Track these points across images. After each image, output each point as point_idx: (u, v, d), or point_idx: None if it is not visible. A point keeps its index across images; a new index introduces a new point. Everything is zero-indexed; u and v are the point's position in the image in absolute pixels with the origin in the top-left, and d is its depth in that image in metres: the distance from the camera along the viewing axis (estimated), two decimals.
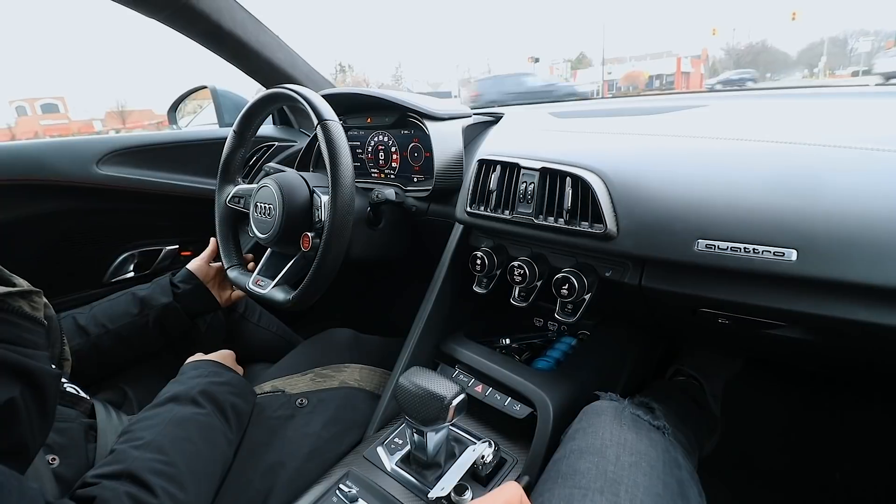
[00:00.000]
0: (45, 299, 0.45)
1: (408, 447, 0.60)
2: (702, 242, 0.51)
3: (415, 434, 0.56)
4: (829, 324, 0.49)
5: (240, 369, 0.73)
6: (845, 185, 0.48)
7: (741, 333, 0.62)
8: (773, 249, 0.48)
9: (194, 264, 0.85)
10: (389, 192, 0.84)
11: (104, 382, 0.73)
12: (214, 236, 0.88)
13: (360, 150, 1.01)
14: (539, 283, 0.70)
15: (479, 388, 0.70)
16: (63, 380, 0.58)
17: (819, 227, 0.46)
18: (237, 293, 0.90)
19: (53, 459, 0.47)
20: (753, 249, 0.49)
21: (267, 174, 0.84)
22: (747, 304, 0.52)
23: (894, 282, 0.43)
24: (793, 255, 0.47)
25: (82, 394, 0.59)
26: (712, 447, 0.88)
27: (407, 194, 0.90)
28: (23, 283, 0.44)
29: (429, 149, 0.86)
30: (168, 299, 0.77)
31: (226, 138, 0.88)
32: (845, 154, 0.51)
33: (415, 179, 0.92)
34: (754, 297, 0.51)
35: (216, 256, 0.88)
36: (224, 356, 0.71)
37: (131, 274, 1.11)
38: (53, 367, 0.42)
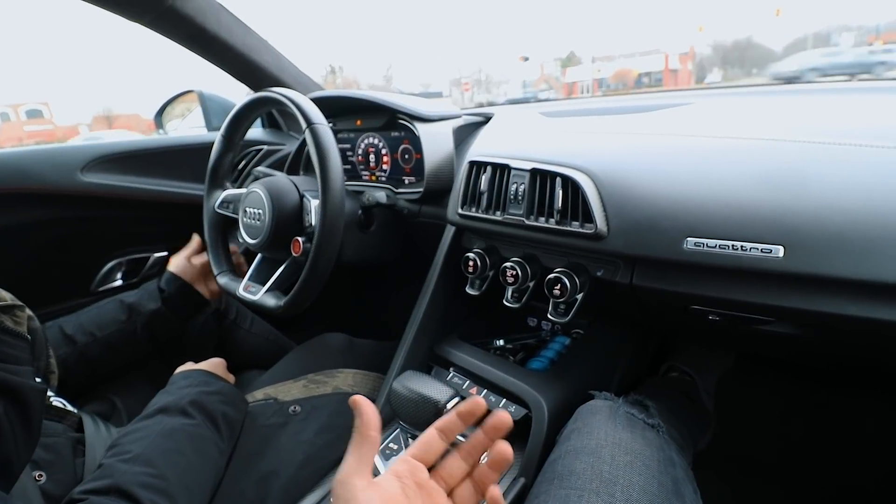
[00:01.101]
0: (28, 312, 0.44)
1: (403, 452, 0.60)
2: (690, 240, 0.52)
3: (410, 439, 0.56)
4: (817, 319, 0.50)
5: (231, 377, 0.72)
6: (831, 180, 0.48)
7: (732, 330, 0.63)
8: (760, 246, 0.48)
9: (177, 266, 0.83)
10: (380, 195, 0.84)
11: (92, 394, 0.72)
12: (198, 234, 0.87)
13: (350, 153, 1.01)
14: (532, 284, 0.70)
15: (473, 391, 0.70)
16: (50, 393, 0.57)
17: (805, 223, 0.47)
18: None
19: (40, 476, 0.47)
20: (741, 247, 0.49)
21: (256, 178, 0.83)
22: (736, 300, 0.52)
23: (881, 276, 0.43)
24: (780, 251, 0.47)
25: (69, 407, 0.58)
26: (706, 443, 0.88)
27: (398, 196, 0.89)
28: (6, 297, 0.44)
29: (419, 150, 0.86)
30: (156, 305, 0.76)
31: (213, 143, 0.87)
32: (830, 150, 0.51)
33: (406, 181, 0.92)
34: (743, 293, 0.52)
35: (199, 251, 0.86)
36: (215, 364, 0.70)
37: (119, 282, 1.09)
38: (39, 380, 0.42)
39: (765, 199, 0.49)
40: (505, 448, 0.35)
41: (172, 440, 0.52)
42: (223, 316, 0.93)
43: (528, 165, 0.65)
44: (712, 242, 0.50)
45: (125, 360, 0.76)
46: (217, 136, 0.86)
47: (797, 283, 0.48)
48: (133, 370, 0.76)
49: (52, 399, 0.57)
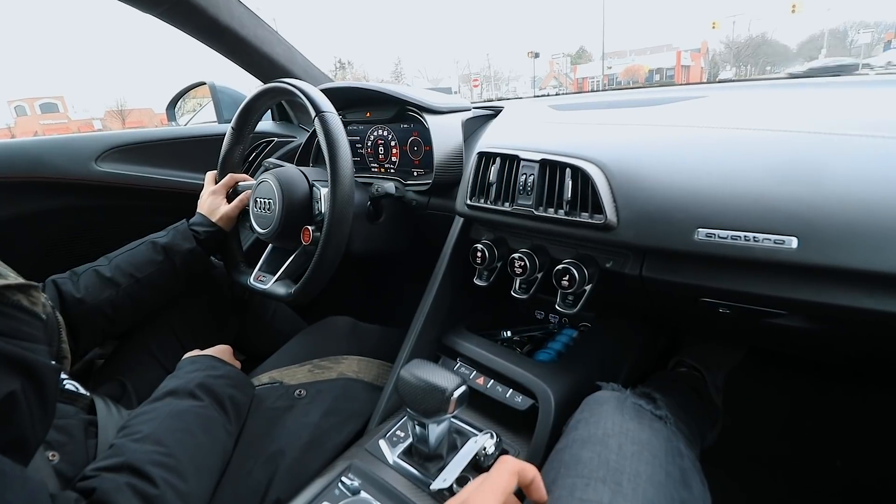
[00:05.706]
0: (44, 296, 0.45)
1: (410, 440, 0.60)
2: (702, 231, 0.51)
3: (417, 426, 0.56)
4: (830, 312, 0.49)
5: (237, 363, 0.73)
6: (846, 171, 0.47)
7: (742, 323, 0.62)
8: (773, 237, 0.47)
9: (203, 205, 0.84)
10: (389, 186, 0.84)
11: (103, 377, 0.73)
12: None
13: (359, 145, 1.01)
14: (540, 275, 0.69)
15: (480, 380, 0.70)
16: (63, 376, 0.58)
17: (820, 214, 0.46)
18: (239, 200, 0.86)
19: (53, 456, 0.48)
20: (754, 237, 0.48)
21: (266, 169, 0.83)
22: (748, 292, 0.52)
23: None
24: (793, 242, 0.46)
25: (81, 390, 0.59)
26: (714, 438, 0.88)
27: (407, 188, 0.90)
28: (19, 278, 0.44)
29: (428, 142, 0.86)
30: (191, 245, 0.78)
31: (225, 134, 0.88)
32: (845, 141, 0.50)
33: (415, 173, 0.92)
34: (755, 285, 0.51)
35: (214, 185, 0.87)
36: (221, 351, 0.71)
37: None
38: (53, 362, 0.42)
39: (778, 190, 0.49)
40: None
41: (181, 421, 0.53)
42: (245, 308, 0.94)
43: (538, 156, 0.65)
44: (724, 233, 0.50)
45: (167, 296, 0.79)
46: (227, 128, 0.86)
47: (810, 274, 0.48)
48: (145, 355, 0.78)
49: (64, 383, 0.58)
